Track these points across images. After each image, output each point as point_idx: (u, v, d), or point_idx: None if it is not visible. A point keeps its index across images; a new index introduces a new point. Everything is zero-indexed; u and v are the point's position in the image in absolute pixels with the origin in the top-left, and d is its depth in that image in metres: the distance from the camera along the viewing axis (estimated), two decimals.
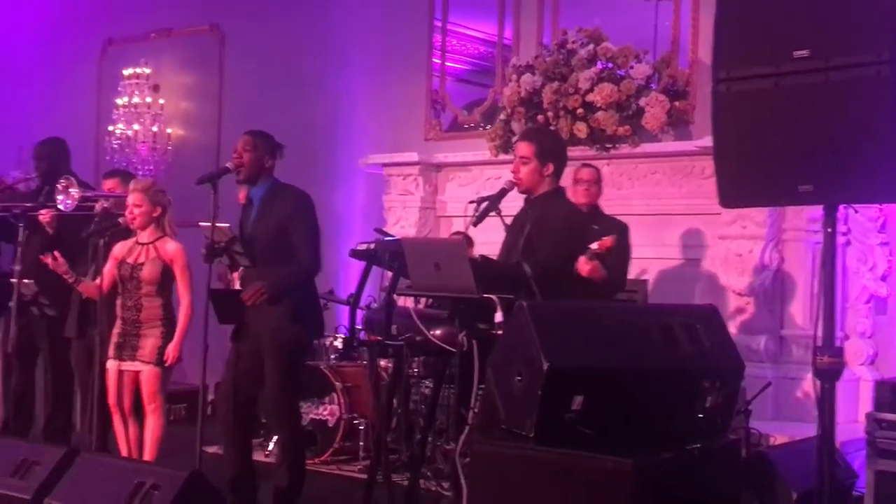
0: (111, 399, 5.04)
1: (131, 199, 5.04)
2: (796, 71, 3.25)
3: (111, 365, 5.04)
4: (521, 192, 4.39)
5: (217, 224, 4.57)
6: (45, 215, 5.39)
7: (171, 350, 4.94)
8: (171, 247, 5.04)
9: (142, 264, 5.03)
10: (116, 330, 5.05)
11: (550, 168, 4.32)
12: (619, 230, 5.30)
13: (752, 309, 6.06)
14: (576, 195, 5.40)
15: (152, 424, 5.00)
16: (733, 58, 3.45)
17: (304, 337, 4.79)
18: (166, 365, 4.96)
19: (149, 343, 4.98)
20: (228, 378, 4.71)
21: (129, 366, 5.00)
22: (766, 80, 3.34)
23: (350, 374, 6.15)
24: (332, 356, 6.35)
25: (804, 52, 3.23)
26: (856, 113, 3.17)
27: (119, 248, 5.10)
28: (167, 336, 4.98)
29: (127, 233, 5.13)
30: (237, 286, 5.35)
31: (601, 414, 3.31)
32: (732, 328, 6.05)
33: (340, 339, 6.36)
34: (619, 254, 5.24)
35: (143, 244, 5.08)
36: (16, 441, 4.62)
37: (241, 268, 4.79)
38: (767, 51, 3.34)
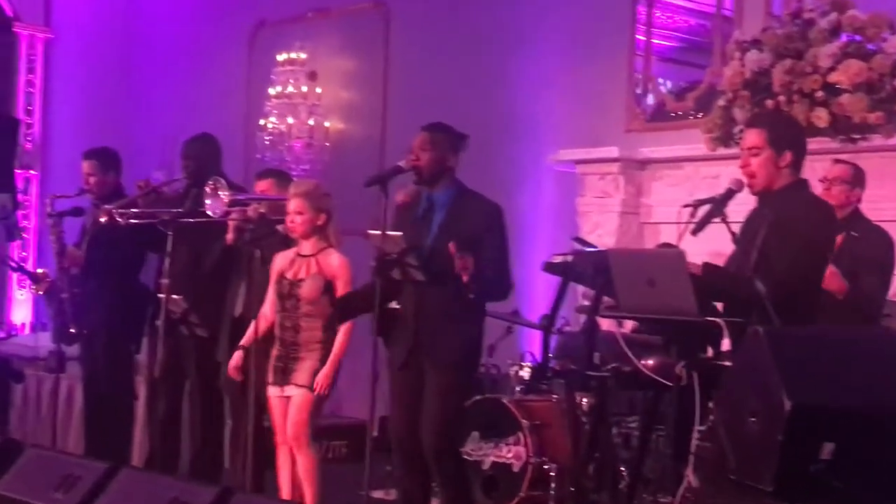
0: (276, 431, 5.21)
1: (292, 204, 5.16)
2: None
3: (272, 392, 5.22)
4: (755, 192, 4.28)
5: (388, 232, 4.64)
6: (234, 220, 5.53)
7: (321, 378, 5.06)
8: (334, 260, 5.15)
9: (301, 280, 5.16)
10: (275, 352, 5.21)
11: (788, 157, 4.20)
12: (883, 241, 5.11)
13: None
14: (827, 198, 5.24)
15: (304, 461, 5.12)
16: None
17: (474, 372, 4.88)
18: (317, 394, 5.08)
19: (305, 366, 5.12)
20: (401, 413, 4.78)
21: (286, 391, 5.16)
22: None
23: (539, 410, 6.11)
24: (518, 388, 6.35)
25: None
26: None
27: (280, 261, 5.25)
28: (324, 360, 5.10)
29: (286, 242, 5.28)
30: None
31: (856, 465, 3.23)
32: None
33: (528, 369, 6.35)
34: (882, 270, 5.06)
35: (304, 256, 5.20)
36: (164, 478, 4.81)
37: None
38: None
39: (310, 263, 5.18)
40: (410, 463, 4.86)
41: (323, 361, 5.09)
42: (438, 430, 4.71)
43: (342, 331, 5.11)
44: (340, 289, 5.12)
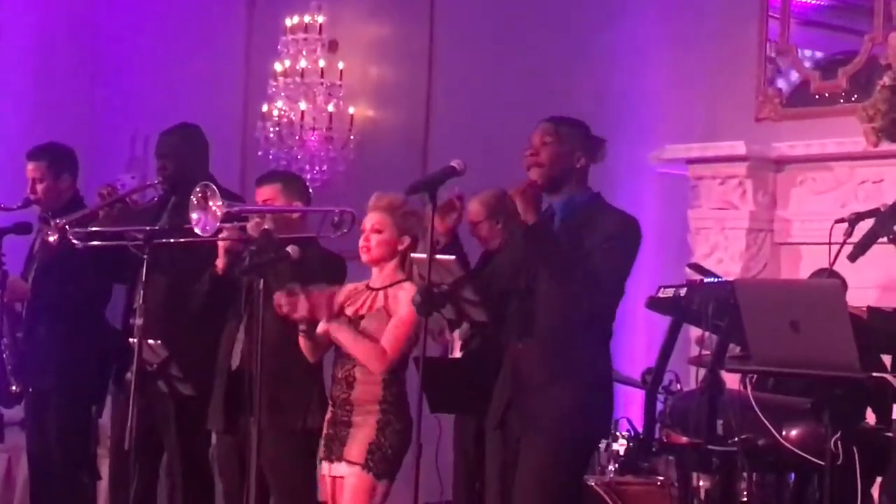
0: None
1: (370, 220, 5.27)
2: None
3: (323, 469, 5.31)
4: None
5: (438, 256, 4.65)
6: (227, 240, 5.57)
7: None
8: (404, 296, 5.19)
9: (362, 317, 5.25)
10: (327, 417, 5.31)
11: None
12: None
13: None
14: None
15: None
16: None
17: (595, 436, 4.87)
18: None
19: (360, 436, 5.17)
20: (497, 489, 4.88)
21: (337, 469, 5.23)
22: None
23: (639, 496, 6.10)
24: (611, 467, 6.33)
25: None
26: None
27: (343, 294, 5.36)
28: (387, 429, 5.17)
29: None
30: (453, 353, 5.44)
31: None
32: None
33: (624, 441, 6.33)
34: None
35: (373, 289, 5.31)
36: None
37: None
38: None
39: (376, 298, 5.27)
40: None
41: (382, 430, 5.15)
42: None
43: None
44: (393, 322, 5.18)
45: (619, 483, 6.23)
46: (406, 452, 5.22)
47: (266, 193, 5.82)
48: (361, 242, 5.29)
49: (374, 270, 5.33)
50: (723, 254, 7.33)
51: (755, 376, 5.24)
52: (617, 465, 6.31)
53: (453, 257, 4.77)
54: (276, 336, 5.36)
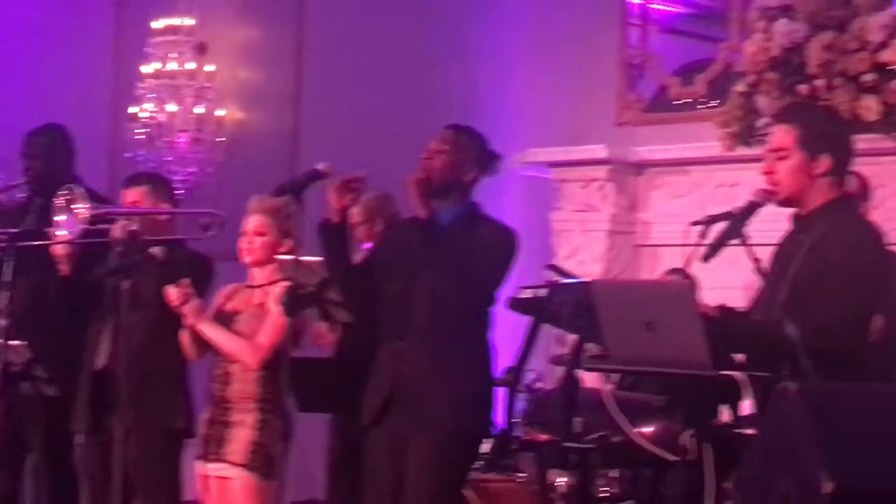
0: None
1: (252, 223, 5.27)
2: None
3: (198, 468, 5.27)
4: (782, 203, 4.36)
5: (303, 258, 4.66)
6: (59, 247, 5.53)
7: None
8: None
9: (238, 314, 5.25)
10: (205, 415, 5.29)
11: (824, 164, 4.29)
12: None
13: None
14: None
15: None
16: None
17: (480, 431, 4.94)
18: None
19: (239, 436, 5.16)
20: (382, 488, 4.86)
21: (216, 469, 5.19)
22: None
23: (503, 494, 6.12)
24: (475, 465, 6.36)
25: None
26: None
27: (225, 294, 5.37)
28: (266, 426, 5.16)
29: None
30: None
31: None
32: None
33: (488, 439, 6.36)
34: None
35: (251, 287, 5.32)
36: None
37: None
38: None
39: (253, 295, 5.28)
40: None
41: (262, 429, 5.14)
42: None
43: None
44: (271, 317, 5.19)
45: (482, 481, 6.25)
46: (288, 451, 5.24)
47: (133, 195, 5.76)
48: (244, 245, 5.28)
49: (255, 271, 5.32)
50: (584, 255, 7.43)
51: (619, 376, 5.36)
52: (480, 464, 6.35)
53: (320, 259, 4.78)
54: (142, 336, 5.36)
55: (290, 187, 4.70)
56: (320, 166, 4.80)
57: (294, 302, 4.66)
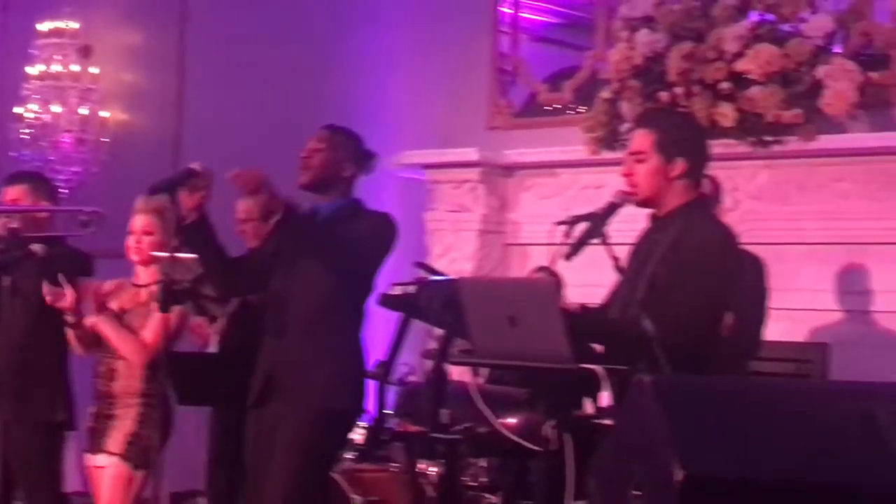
0: None
1: (139, 223, 5.27)
2: None
3: (87, 461, 5.30)
4: (640, 204, 4.42)
5: (178, 255, 4.63)
6: None
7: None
8: None
9: (125, 312, 5.25)
10: (91, 409, 5.30)
11: (680, 167, 4.37)
12: (756, 268, 5.39)
13: None
14: None
15: None
16: None
17: (350, 411, 4.96)
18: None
19: (120, 428, 5.19)
20: (257, 465, 4.87)
21: (98, 460, 5.24)
22: None
23: (375, 482, 6.13)
24: (348, 455, 6.35)
25: None
26: None
27: (109, 287, 5.36)
28: (147, 420, 5.17)
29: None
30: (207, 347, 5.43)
31: None
32: None
33: (360, 430, 6.35)
34: (751, 303, 5.26)
35: (139, 287, 5.32)
36: None
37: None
38: None
39: (140, 294, 5.29)
40: None
41: (142, 423, 5.17)
42: (285, 488, 4.77)
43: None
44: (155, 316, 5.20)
45: (356, 471, 6.26)
46: (165, 444, 5.23)
47: (13, 193, 5.73)
48: (131, 244, 5.30)
49: (141, 270, 5.32)
50: (456, 254, 7.43)
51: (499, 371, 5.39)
52: (355, 454, 6.34)
53: (195, 255, 4.76)
54: (22, 331, 5.34)
55: (164, 186, 4.66)
56: (194, 165, 4.77)
57: (169, 298, 4.63)
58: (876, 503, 3.38)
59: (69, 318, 5.14)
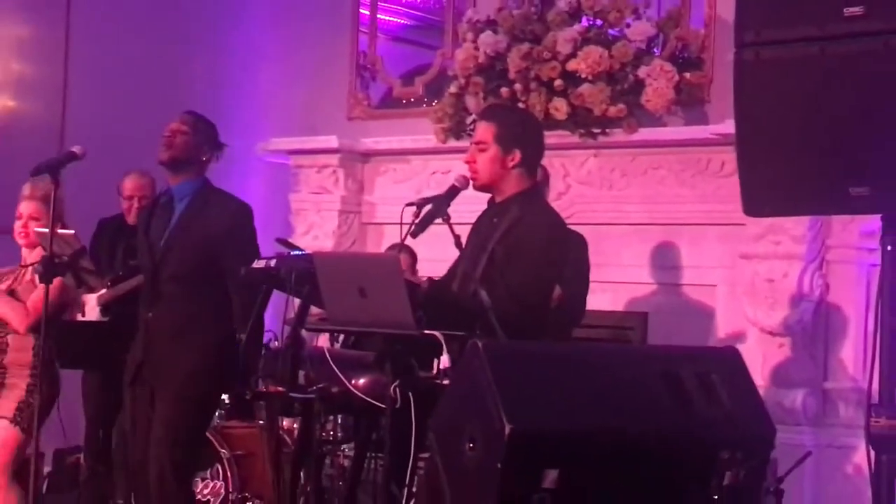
0: None
1: (27, 208, 5.20)
2: (847, 34, 3.32)
3: None
4: (478, 188, 4.45)
5: (60, 231, 4.57)
6: None
7: None
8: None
9: (13, 290, 5.18)
10: None
11: (517, 157, 4.39)
12: (575, 246, 5.41)
13: (785, 353, 6.13)
14: None
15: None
16: (764, 14, 3.51)
17: (218, 387, 4.99)
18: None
19: (11, 395, 5.14)
20: (140, 437, 4.85)
21: None
22: (807, 46, 3.41)
23: (241, 438, 6.12)
24: (217, 414, 6.31)
25: (857, 10, 3.30)
26: None
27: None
28: (35, 391, 5.06)
29: None
30: (88, 316, 5.35)
31: (583, 493, 3.36)
32: (760, 379, 6.11)
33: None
34: (576, 276, 5.35)
35: (24, 267, 5.23)
36: None
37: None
38: (810, 6, 3.40)
39: (26, 273, 5.21)
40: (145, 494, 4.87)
41: (31, 393, 5.09)
42: (163, 466, 4.76)
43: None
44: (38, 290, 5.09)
45: (224, 427, 6.24)
46: (51, 410, 5.16)
47: None
48: (19, 229, 5.22)
49: (27, 252, 5.23)
50: (318, 231, 7.44)
51: (343, 336, 5.40)
52: (222, 413, 6.31)
53: (72, 231, 4.71)
54: None
55: (46, 167, 4.59)
56: (75, 149, 4.74)
57: (49, 270, 4.56)
58: (676, 447, 3.48)
59: None
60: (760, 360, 6.16)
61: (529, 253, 4.26)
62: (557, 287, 4.57)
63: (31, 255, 5.21)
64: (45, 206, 5.12)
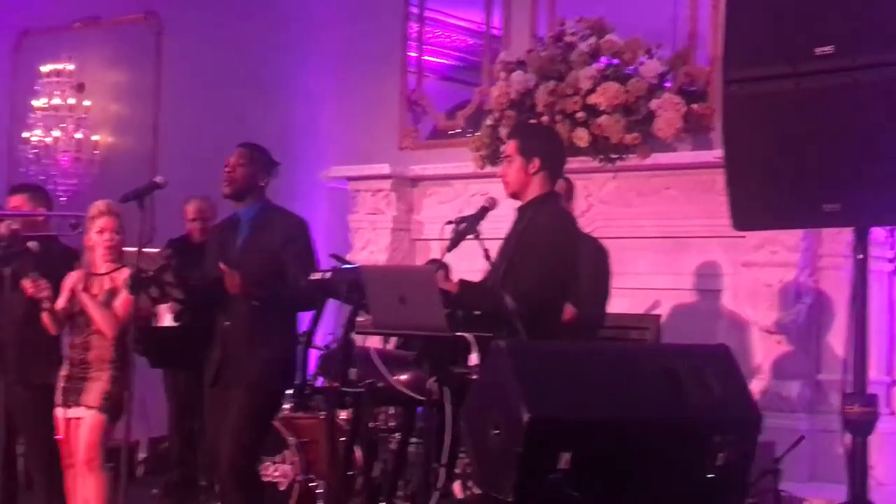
0: (63, 454, 5.13)
1: (110, 223, 5.18)
2: (819, 70, 3.34)
3: (59, 413, 5.16)
4: (509, 196, 4.47)
5: (145, 249, 4.63)
6: None
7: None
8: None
9: (96, 296, 5.16)
10: (63, 373, 5.18)
11: (536, 164, 4.39)
12: (596, 253, 5.36)
13: (783, 349, 6.12)
14: None
15: (95, 484, 5.10)
16: (747, 55, 3.54)
17: (282, 387, 5.03)
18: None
19: (95, 387, 5.10)
20: (213, 431, 4.91)
21: (74, 412, 5.11)
22: (784, 82, 3.43)
23: (306, 427, 6.13)
24: (286, 406, 6.37)
25: (828, 49, 3.32)
26: (890, 119, 3.25)
27: (72, 280, 5.21)
28: (117, 381, 5.11)
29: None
30: (164, 322, 5.42)
31: (592, 474, 3.38)
32: (760, 372, 6.11)
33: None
34: (596, 283, 5.34)
35: (98, 275, 5.20)
36: None
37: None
38: (786, 47, 3.43)
39: (103, 281, 5.19)
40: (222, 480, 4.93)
41: (114, 383, 5.10)
42: (235, 450, 4.80)
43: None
44: (122, 299, 5.12)
45: (292, 418, 6.30)
46: (130, 400, 5.19)
47: (15, 201, 5.65)
48: (105, 242, 5.18)
49: (102, 262, 5.21)
50: (374, 247, 7.48)
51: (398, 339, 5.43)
52: (290, 405, 6.36)
53: (158, 250, 4.78)
54: (22, 312, 5.26)
55: (133, 195, 4.65)
56: (158, 179, 4.78)
57: (137, 283, 4.62)
58: (674, 432, 3.49)
59: (45, 305, 5.08)
60: (761, 355, 6.17)
61: (539, 250, 4.23)
62: (569, 305, 4.54)
63: (106, 266, 5.19)
64: (120, 221, 5.17)
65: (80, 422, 5.11)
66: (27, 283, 5.06)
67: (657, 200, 6.60)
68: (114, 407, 5.07)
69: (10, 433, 5.31)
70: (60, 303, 5.13)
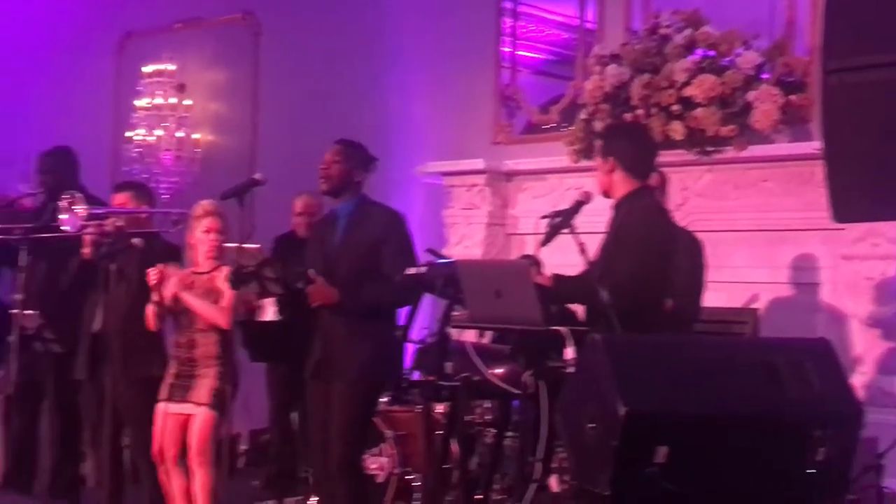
0: (156, 447, 5.21)
1: (215, 223, 5.25)
2: None
3: (166, 409, 5.23)
4: (603, 195, 4.52)
5: (245, 245, 4.70)
6: (91, 234, 5.50)
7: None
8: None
9: (198, 293, 5.24)
10: (171, 370, 5.26)
11: (611, 162, 4.45)
12: (690, 245, 5.33)
13: (885, 343, 5.97)
14: None
15: (203, 479, 5.17)
16: (847, 43, 3.45)
17: (383, 381, 5.10)
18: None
19: (204, 384, 5.17)
20: (314, 424, 4.98)
21: (178, 408, 5.18)
22: (886, 70, 3.33)
23: (403, 420, 6.16)
24: (383, 399, 6.40)
25: None
26: None
27: (175, 278, 5.28)
28: (224, 377, 5.19)
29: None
30: (266, 317, 5.49)
31: (690, 468, 3.35)
32: (862, 366, 5.98)
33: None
34: (691, 276, 5.28)
35: (200, 273, 5.29)
36: (16, 498, 4.75)
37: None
38: (888, 34, 3.33)
39: (204, 280, 5.26)
40: (324, 471, 5.01)
41: (221, 379, 5.17)
42: (344, 448, 4.87)
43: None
44: (226, 296, 5.19)
45: (389, 411, 6.33)
46: (236, 394, 5.28)
47: (120, 199, 5.77)
48: (211, 242, 5.25)
49: (203, 260, 5.28)
50: (468, 242, 7.47)
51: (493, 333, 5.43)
52: (387, 398, 6.40)
53: (258, 245, 4.84)
54: (126, 306, 5.36)
55: (232, 192, 4.73)
56: (257, 176, 4.86)
57: (238, 279, 4.69)
58: (773, 427, 3.44)
59: (154, 297, 5.15)
60: (862, 349, 6.04)
61: (624, 254, 4.25)
62: (669, 300, 4.51)
63: (208, 263, 5.26)
64: (223, 220, 5.24)
65: (182, 418, 5.17)
66: (152, 272, 5.12)
67: (754, 193, 6.48)
68: (222, 403, 5.14)
69: (117, 425, 5.41)
70: (167, 295, 5.21)
